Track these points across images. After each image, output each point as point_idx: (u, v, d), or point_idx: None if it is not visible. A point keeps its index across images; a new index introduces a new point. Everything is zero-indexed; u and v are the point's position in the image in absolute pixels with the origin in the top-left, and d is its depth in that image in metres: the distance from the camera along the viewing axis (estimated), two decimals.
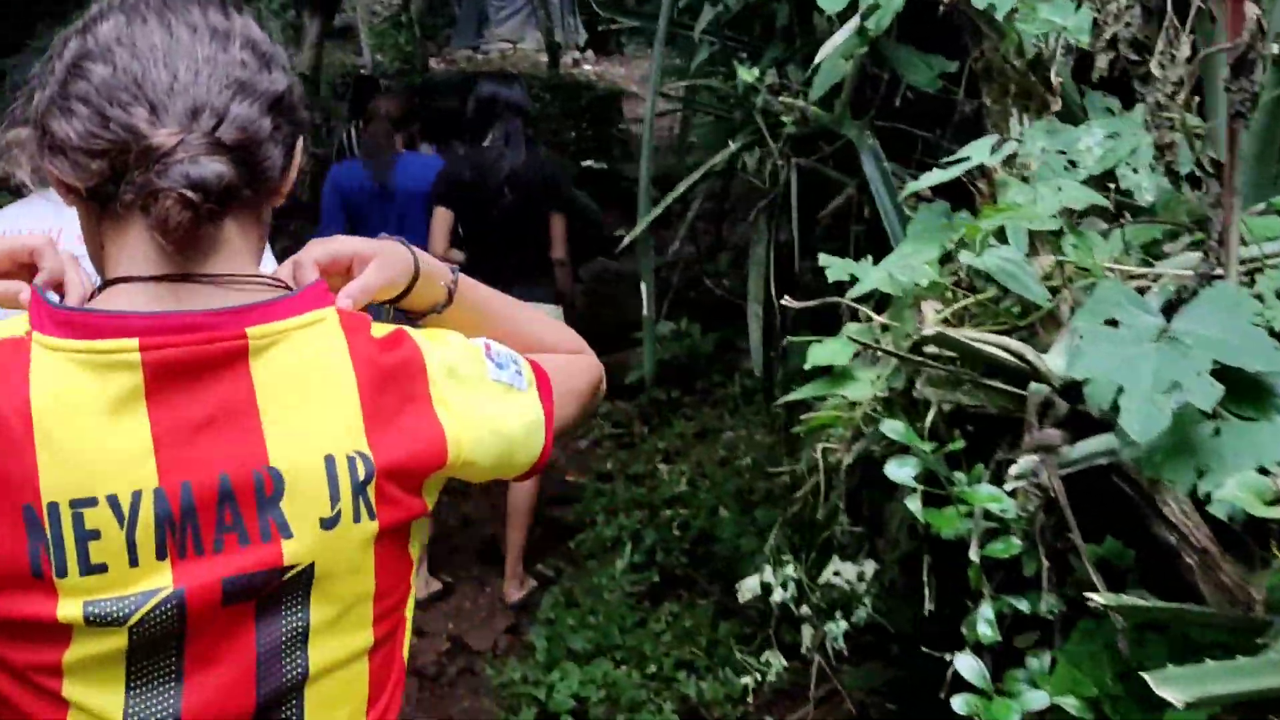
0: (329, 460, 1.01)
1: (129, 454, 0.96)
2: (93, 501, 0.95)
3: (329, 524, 1.01)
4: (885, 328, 1.83)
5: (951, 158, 1.84)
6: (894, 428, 1.52)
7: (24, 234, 1.10)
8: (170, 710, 1.00)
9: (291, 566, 1.00)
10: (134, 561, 0.96)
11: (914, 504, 1.50)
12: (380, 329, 1.10)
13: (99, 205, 1.02)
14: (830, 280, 1.96)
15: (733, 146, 2.62)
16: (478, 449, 1.10)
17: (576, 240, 4.83)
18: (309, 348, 1.03)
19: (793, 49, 2.63)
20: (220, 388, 0.99)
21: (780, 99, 2.40)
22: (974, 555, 1.49)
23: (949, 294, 1.69)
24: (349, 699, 1.09)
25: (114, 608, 0.96)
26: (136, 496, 0.96)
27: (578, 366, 1.33)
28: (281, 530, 1.00)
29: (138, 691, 0.99)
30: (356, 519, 1.02)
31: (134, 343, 0.96)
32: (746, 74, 2.47)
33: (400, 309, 1.24)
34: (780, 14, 2.72)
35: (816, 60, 2.16)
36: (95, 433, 0.96)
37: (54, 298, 1.03)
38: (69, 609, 0.96)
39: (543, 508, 4.98)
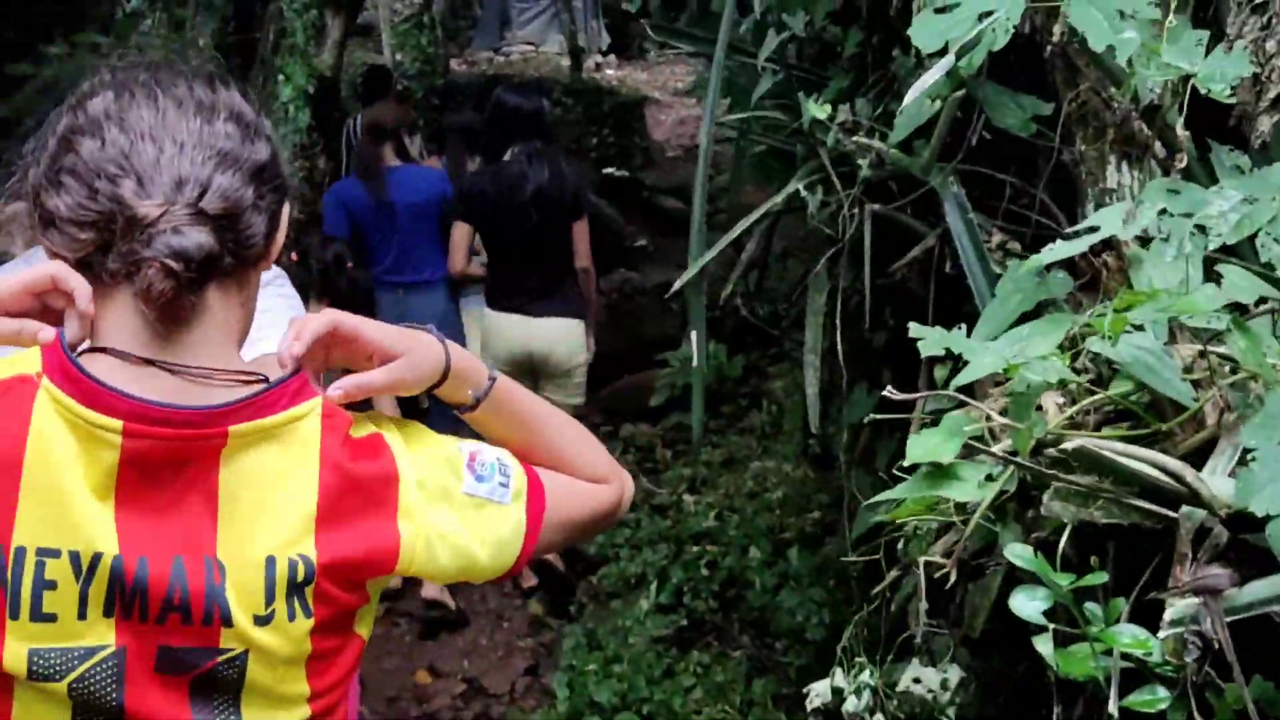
0: (269, 562, 1.04)
1: (95, 519, 1.00)
2: (56, 553, 1.00)
3: (262, 621, 1.05)
4: (980, 410, 1.62)
5: (1077, 227, 1.61)
6: (1022, 555, 1.30)
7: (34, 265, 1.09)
8: None
9: (228, 650, 1.05)
10: (82, 615, 1.01)
11: (1044, 645, 1.28)
12: (361, 428, 1.12)
13: (89, 275, 1.05)
14: (923, 355, 1.73)
15: (796, 185, 2.40)
16: (432, 562, 1.12)
17: (595, 249, 4.69)
18: (283, 449, 1.06)
19: (864, 82, 2.40)
20: (186, 478, 1.03)
21: (855, 139, 2.18)
22: (1113, 708, 1.27)
23: (1074, 388, 1.46)
24: None
25: (57, 659, 1.01)
26: (96, 558, 1.00)
27: (586, 495, 1.29)
28: (223, 617, 1.03)
29: None
30: (291, 618, 1.06)
31: (118, 425, 1.01)
32: (816, 110, 2.24)
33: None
34: (849, 41, 2.49)
35: (905, 102, 1.94)
36: (70, 492, 1.00)
37: (81, 344, 1.05)
38: (15, 652, 1.00)
39: None
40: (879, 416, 1.84)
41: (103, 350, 1.04)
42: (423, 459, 1.13)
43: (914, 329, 1.75)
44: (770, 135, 2.91)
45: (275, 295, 1.63)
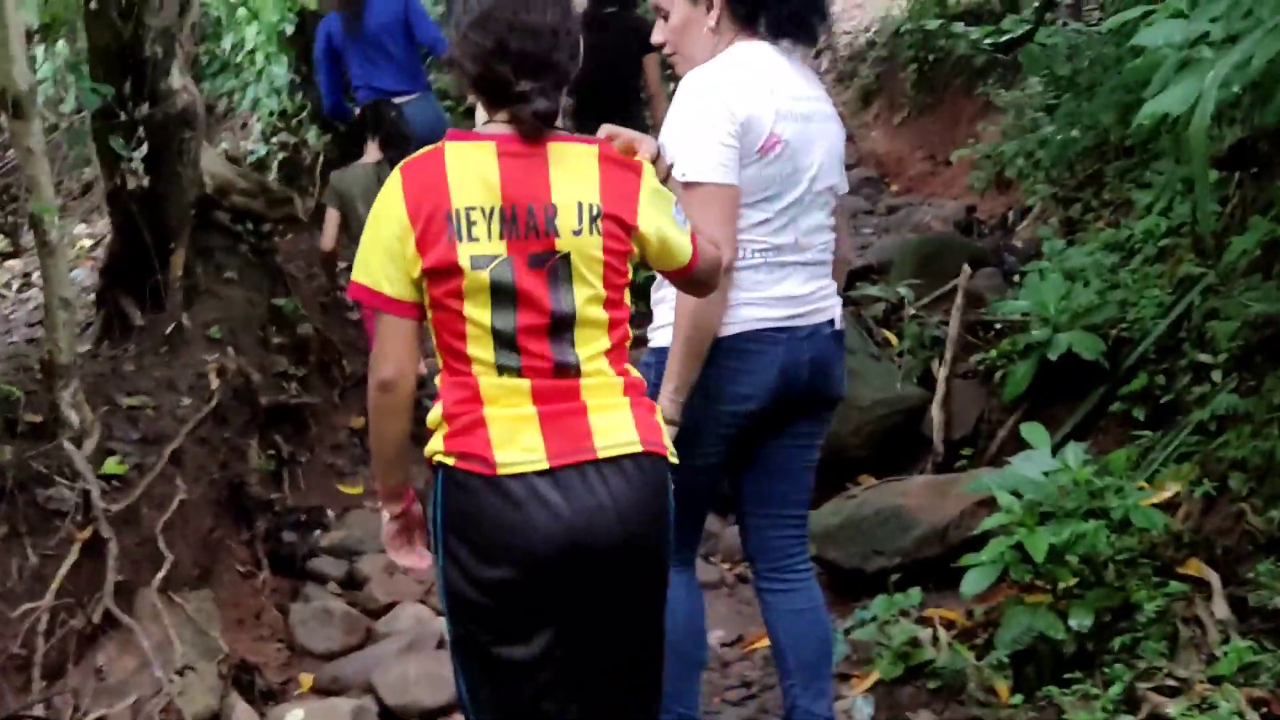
0: (579, 205, 2.07)
1: (491, 187, 2.04)
2: (474, 208, 2.04)
3: (576, 234, 2.06)
4: None
5: None
6: None
7: None
8: (510, 324, 2.06)
9: (559, 251, 2.07)
10: (489, 237, 2.04)
11: None
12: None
13: None
14: None
15: None
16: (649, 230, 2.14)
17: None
18: (580, 150, 2.12)
19: None
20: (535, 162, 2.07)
21: None
22: None
23: None
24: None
25: (482, 261, 2.03)
26: (492, 208, 2.05)
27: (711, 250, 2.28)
28: (556, 232, 2.06)
29: (495, 312, 2.06)
30: (591, 234, 2.07)
31: (493, 144, 2.07)
32: None
33: None
34: None
35: None
36: (480, 173, 2.05)
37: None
38: (463, 256, 2.02)
39: None
40: None
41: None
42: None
43: None
44: None
45: None
